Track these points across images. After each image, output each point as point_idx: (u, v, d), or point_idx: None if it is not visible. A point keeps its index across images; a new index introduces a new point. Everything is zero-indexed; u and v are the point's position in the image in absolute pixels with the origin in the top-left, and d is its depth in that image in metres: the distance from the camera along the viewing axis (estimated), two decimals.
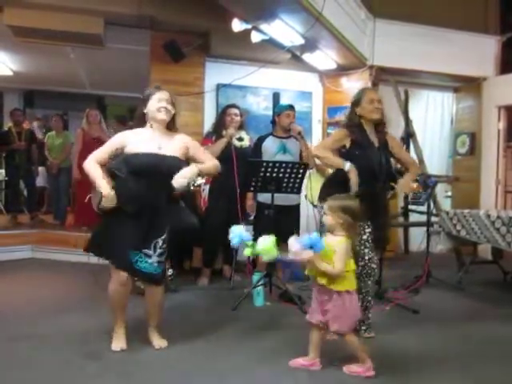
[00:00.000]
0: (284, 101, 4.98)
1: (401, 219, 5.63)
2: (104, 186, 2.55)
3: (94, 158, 2.67)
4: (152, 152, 2.61)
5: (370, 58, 5.53)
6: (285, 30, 4.40)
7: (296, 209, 4.20)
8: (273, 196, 3.71)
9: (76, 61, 6.32)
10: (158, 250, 2.64)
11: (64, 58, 6.12)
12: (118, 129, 6.32)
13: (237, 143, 4.20)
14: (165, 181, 2.58)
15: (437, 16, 5.74)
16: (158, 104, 2.67)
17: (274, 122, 4.27)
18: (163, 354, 2.65)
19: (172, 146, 2.69)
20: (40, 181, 7.23)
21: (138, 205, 2.57)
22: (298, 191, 3.88)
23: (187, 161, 2.79)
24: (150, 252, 2.63)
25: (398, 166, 3.37)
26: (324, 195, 2.97)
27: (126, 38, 5.21)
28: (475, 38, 6.09)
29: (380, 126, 3.04)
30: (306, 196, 4.33)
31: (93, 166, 2.64)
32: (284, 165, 3.67)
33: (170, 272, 3.83)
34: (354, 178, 2.83)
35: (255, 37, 4.51)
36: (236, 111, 4.29)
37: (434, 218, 4.76)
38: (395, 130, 4.88)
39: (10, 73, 7.17)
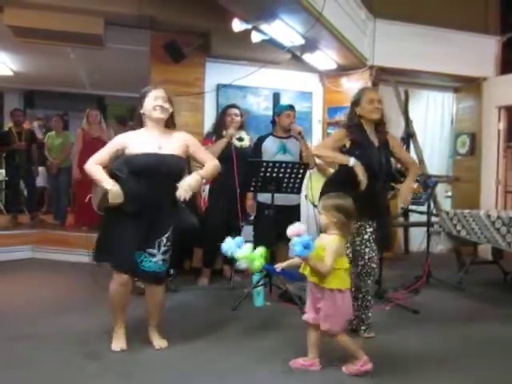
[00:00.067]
0: (284, 101, 4.98)
1: (401, 219, 5.63)
2: (109, 182, 2.55)
3: (95, 159, 2.66)
4: (152, 152, 2.61)
5: (371, 58, 5.53)
6: (285, 30, 4.40)
7: (296, 209, 4.20)
8: (273, 196, 3.71)
9: (76, 61, 6.32)
10: (163, 248, 2.65)
11: (64, 58, 6.12)
12: (117, 129, 6.34)
13: (237, 143, 4.20)
14: (166, 180, 2.58)
15: (437, 16, 5.74)
16: (153, 102, 2.65)
17: (274, 122, 4.27)
18: (163, 354, 2.65)
19: (172, 144, 2.68)
20: (40, 181, 7.23)
21: (139, 204, 2.56)
22: (298, 191, 3.88)
23: (188, 159, 2.79)
24: (155, 251, 2.63)
25: (399, 165, 3.37)
26: (324, 194, 2.97)
27: (126, 38, 5.21)
28: (475, 38, 6.09)
29: (380, 125, 3.03)
30: (306, 196, 4.33)
31: (94, 166, 2.64)
32: (284, 165, 3.67)
33: (170, 272, 3.82)
34: (360, 172, 2.83)
35: (255, 37, 4.51)
36: (236, 111, 4.29)
37: (434, 218, 4.76)
38: (395, 130, 4.88)
39: (11, 73, 7.18)
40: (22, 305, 3.56)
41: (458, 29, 5.88)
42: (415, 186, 4.78)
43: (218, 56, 5.38)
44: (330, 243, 2.40)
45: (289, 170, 3.67)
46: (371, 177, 2.90)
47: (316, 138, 5.80)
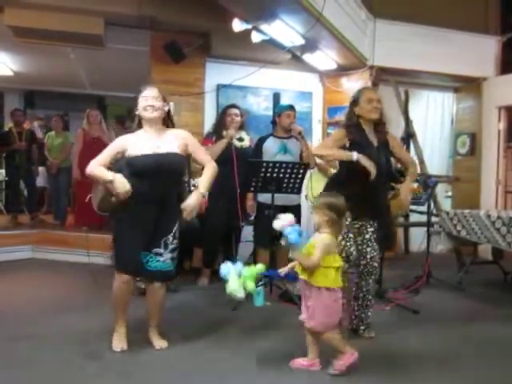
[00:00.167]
0: (284, 101, 4.98)
1: (401, 219, 5.63)
2: (110, 174, 2.55)
3: (96, 162, 2.67)
4: (151, 153, 2.61)
5: (371, 58, 5.53)
6: (285, 30, 4.40)
7: (296, 209, 4.20)
8: (273, 196, 3.71)
9: (76, 61, 6.32)
10: (170, 246, 2.66)
11: (64, 58, 6.12)
12: (117, 129, 6.35)
13: (237, 143, 4.21)
14: (167, 179, 2.59)
15: (437, 16, 5.74)
16: (144, 103, 2.66)
17: (274, 123, 4.27)
18: (163, 354, 2.65)
19: (170, 143, 2.68)
20: (40, 181, 7.23)
21: (141, 202, 2.56)
22: (298, 191, 3.88)
23: (188, 156, 2.78)
24: (161, 250, 2.64)
25: (399, 165, 3.36)
26: None
27: (127, 39, 5.21)
28: (475, 38, 6.09)
29: (380, 125, 3.02)
30: (306, 196, 4.33)
31: (95, 167, 2.64)
32: (284, 165, 3.67)
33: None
34: (367, 162, 2.82)
35: (255, 37, 4.51)
36: (236, 111, 4.29)
37: (434, 218, 4.76)
38: (395, 131, 4.88)
39: (11, 73, 7.17)
40: (22, 305, 3.56)
41: (458, 29, 5.88)
42: (415, 185, 4.79)
43: (218, 56, 5.38)
44: (319, 240, 2.41)
45: (289, 170, 3.67)
46: (369, 176, 2.89)
47: (316, 138, 5.80)
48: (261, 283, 3.69)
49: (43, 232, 5.63)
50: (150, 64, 5.22)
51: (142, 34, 5.15)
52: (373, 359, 2.66)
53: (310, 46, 4.97)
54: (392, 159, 3.16)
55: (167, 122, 2.76)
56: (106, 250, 4.91)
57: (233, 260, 2.55)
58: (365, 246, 2.98)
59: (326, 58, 5.32)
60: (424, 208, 4.71)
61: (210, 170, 2.77)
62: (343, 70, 5.70)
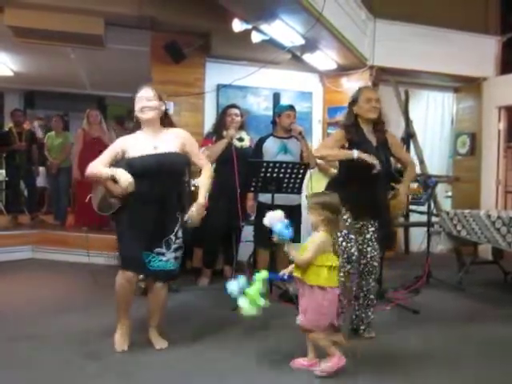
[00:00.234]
0: (284, 101, 4.98)
1: (401, 219, 5.63)
2: (111, 169, 2.56)
3: (96, 164, 2.67)
4: (149, 153, 2.61)
5: (371, 58, 5.53)
6: (285, 30, 4.40)
7: (297, 209, 4.20)
8: (273, 196, 3.71)
9: (76, 61, 6.32)
10: (173, 246, 2.65)
11: (64, 58, 6.12)
12: (116, 129, 6.35)
13: (237, 143, 4.21)
14: (168, 179, 2.59)
15: (437, 16, 5.75)
16: (139, 104, 2.66)
17: (274, 123, 4.27)
18: (163, 355, 2.65)
19: (168, 142, 2.67)
20: (40, 181, 7.23)
21: (142, 202, 2.57)
22: (299, 191, 3.88)
23: (186, 155, 2.76)
24: (163, 250, 2.63)
25: (398, 165, 3.36)
26: None
27: (127, 39, 5.21)
28: (475, 38, 6.09)
29: (379, 125, 3.02)
30: (306, 196, 4.33)
31: (94, 168, 2.64)
32: (284, 165, 3.67)
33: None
34: (367, 157, 2.81)
35: (255, 37, 4.51)
36: (236, 111, 4.29)
37: (434, 218, 4.77)
38: (395, 131, 4.87)
39: (11, 73, 7.17)
40: (22, 305, 3.56)
41: (458, 29, 5.88)
42: (415, 186, 4.79)
43: (218, 56, 5.38)
44: (313, 238, 2.42)
45: (289, 170, 3.67)
46: (370, 176, 2.89)
47: (316, 138, 5.80)
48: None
49: (43, 232, 5.63)
50: (150, 64, 5.22)
51: (142, 35, 5.15)
52: (373, 359, 2.66)
53: (310, 46, 4.97)
54: (392, 159, 3.16)
55: (164, 121, 2.75)
56: (106, 249, 4.92)
57: (235, 275, 2.55)
58: (365, 246, 2.99)
59: (326, 57, 5.32)
60: (424, 208, 4.71)
61: (207, 179, 2.80)
62: (343, 70, 5.70)
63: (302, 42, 4.71)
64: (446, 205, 6.30)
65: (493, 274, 4.71)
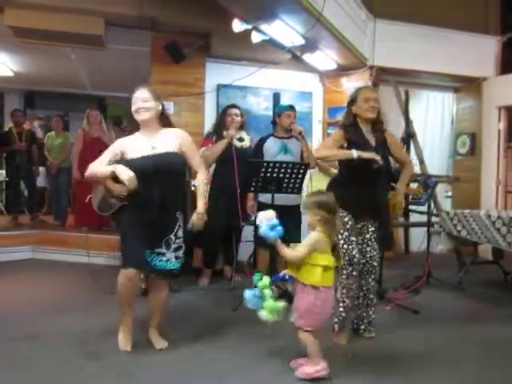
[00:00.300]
0: (284, 101, 4.98)
1: (401, 219, 5.63)
2: (114, 166, 2.56)
3: (95, 165, 2.67)
4: (147, 154, 2.61)
5: (371, 58, 5.54)
6: (285, 30, 4.40)
7: (297, 209, 4.20)
8: (273, 196, 3.71)
9: (77, 61, 6.33)
10: (173, 245, 2.65)
11: (65, 58, 6.12)
12: (115, 131, 6.36)
13: (237, 143, 4.20)
14: (167, 179, 2.59)
15: (437, 16, 5.75)
16: (135, 105, 2.66)
17: (274, 123, 4.27)
18: (164, 355, 2.65)
19: (165, 142, 2.67)
20: (40, 181, 7.24)
21: (141, 203, 2.57)
22: (299, 191, 3.87)
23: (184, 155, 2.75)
24: (163, 250, 2.63)
25: (398, 165, 3.36)
26: None
27: (127, 39, 5.21)
28: (475, 38, 6.09)
29: (377, 124, 3.01)
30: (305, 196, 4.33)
31: (93, 168, 2.64)
32: (284, 165, 3.66)
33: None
34: (366, 155, 2.81)
35: (255, 37, 4.52)
36: (236, 111, 4.29)
37: (434, 218, 4.76)
38: (395, 131, 4.86)
39: (11, 73, 7.18)
40: (22, 305, 3.56)
41: (458, 29, 5.88)
42: (415, 186, 4.79)
43: (218, 56, 5.39)
44: (309, 236, 2.41)
45: (289, 170, 3.67)
46: (370, 176, 2.89)
47: (316, 139, 5.80)
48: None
49: (43, 232, 5.63)
50: (150, 64, 5.23)
51: (142, 35, 5.15)
52: (373, 359, 2.66)
53: (310, 46, 4.97)
54: (391, 159, 3.15)
55: (163, 120, 2.75)
56: (106, 250, 4.92)
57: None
58: (365, 246, 2.99)
59: (326, 57, 5.32)
60: (424, 208, 4.71)
61: (203, 184, 2.81)
62: (343, 70, 5.70)
63: (302, 42, 4.71)
64: (446, 205, 6.30)
65: (493, 274, 4.71)
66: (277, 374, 2.44)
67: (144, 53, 5.26)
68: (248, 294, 2.44)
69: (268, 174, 3.63)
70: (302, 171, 3.73)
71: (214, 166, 4.34)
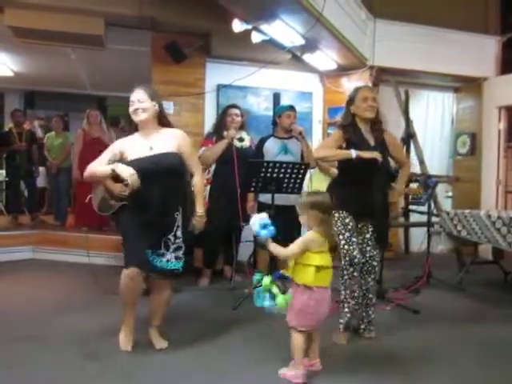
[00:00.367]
0: (284, 101, 4.98)
1: (401, 219, 5.64)
2: (115, 165, 2.55)
3: (93, 165, 2.67)
4: (145, 155, 2.60)
5: (371, 58, 5.54)
6: (285, 30, 4.40)
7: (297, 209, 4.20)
8: (273, 196, 3.71)
9: (77, 62, 6.33)
10: (172, 246, 2.64)
11: (65, 58, 6.12)
12: (115, 131, 6.36)
13: (237, 144, 4.21)
14: (166, 179, 2.58)
15: (437, 16, 5.75)
16: (132, 106, 2.66)
17: (274, 123, 4.27)
18: (164, 355, 2.65)
19: (163, 142, 2.67)
20: (40, 181, 7.24)
21: (141, 204, 2.56)
22: (299, 191, 3.87)
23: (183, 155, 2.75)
24: (162, 251, 2.63)
25: (398, 164, 3.35)
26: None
27: (127, 39, 5.21)
28: (475, 38, 6.10)
29: (376, 124, 3.00)
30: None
31: (93, 168, 2.64)
32: (284, 165, 3.67)
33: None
34: (366, 154, 2.81)
35: (255, 37, 4.52)
36: (237, 111, 4.29)
37: (434, 219, 4.76)
38: (395, 131, 4.87)
39: (11, 73, 7.18)
40: (22, 305, 3.56)
41: (458, 29, 5.88)
42: (415, 186, 4.79)
43: (218, 56, 5.39)
44: (304, 236, 2.41)
45: (289, 171, 3.67)
46: (370, 176, 2.89)
47: (316, 139, 5.80)
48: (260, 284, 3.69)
49: (43, 232, 5.63)
50: (150, 64, 5.23)
51: (142, 35, 5.15)
52: (373, 359, 2.66)
53: (310, 46, 4.97)
54: (390, 159, 3.15)
55: (161, 120, 2.74)
56: (106, 250, 4.93)
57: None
58: (365, 245, 2.99)
59: (326, 58, 5.32)
60: (424, 208, 4.71)
61: (200, 186, 2.82)
62: (343, 70, 5.70)
63: (302, 42, 4.71)
64: (447, 205, 6.30)
65: (493, 274, 4.71)
66: (277, 373, 2.44)
67: (144, 53, 5.26)
68: (261, 303, 2.45)
69: (268, 174, 3.63)
70: (302, 171, 3.73)
71: (214, 166, 4.34)
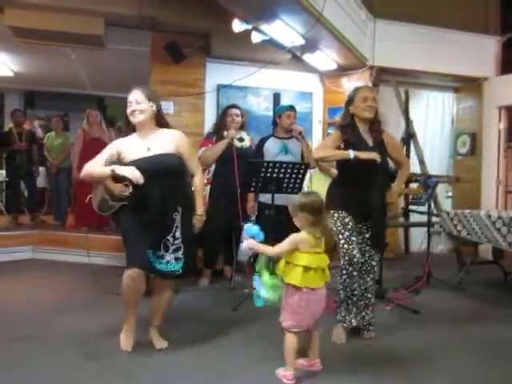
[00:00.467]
0: (284, 101, 4.98)
1: (401, 219, 5.63)
2: (115, 166, 2.55)
3: (90, 165, 2.67)
4: (142, 156, 2.60)
5: (371, 58, 5.54)
6: (285, 30, 4.41)
7: None
8: (273, 196, 3.71)
9: (77, 62, 6.33)
10: (172, 247, 2.64)
11: (65, 58, 6.13)
12: (113, 132, 6.37)
13: (237, 144, 4.20)
14: (164, 180, 2.57)
15: (437, 16, 5.76)
16: (129, 108, 2.65)
17: (275, 123, 4.27)
18: (164, 355, 2.65)
19: (161, 143, 2.66)
20: (40, 181, 7.24)
21: (140, 204, 2.56)
22: (299, 191, 3.86)
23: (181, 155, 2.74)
24: (161, 253, 2.62)
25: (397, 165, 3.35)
26: (329, 197, 2.98)
27: (127, 39, 5.22)
28: (475, 38, 6.10)
29: (375, 124, 2.99)
30: None
31: (91, 168, 2.64)
32: (284, 165, 3.66)
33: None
34: (363, 155, 2.81)
35: (255, 37, 4.52)
36: (237, 111, 4.28)
37: (434, 219, 4.76)
38: (395, 131, 4.88)
39: (11, 73, 7.18)
40: (22, 305, 3.56)
41: (458, 29, 5.89)
42: (415, 186, 4.79)
43: (218, 56, 5.39)
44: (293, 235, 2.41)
45: (289, 171, 3.67)
46: (368, 176, 2.88)
47: (316, 139, 5.81)
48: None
49: (43, 232, 5.63)
50: (150, 64, 5.23)
51: (142, 35, 5.16)
52: (373, 359, 2.66)
53: (310, 46, 4.97)
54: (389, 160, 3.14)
55: (160, 121, 2.74)
56: (106, 250, 4.93)
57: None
58: (363, 245, 2.98)
59: (326, 58, 5.33)
60: (424, 208, 4.71)
61: (200, 186, 2.83)
62: (343, 70, 5.71)
63: (302, 42, 4.72)
64: (447, 205, 6.30)
65: (493, 274, 4.71)
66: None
67: (144, 53, 5.27)
68: (257, 294, 2.49)
69: (268, 174, 3.63)
70: (302, 171, 3.73)
71: (214, 166, 4.34)
